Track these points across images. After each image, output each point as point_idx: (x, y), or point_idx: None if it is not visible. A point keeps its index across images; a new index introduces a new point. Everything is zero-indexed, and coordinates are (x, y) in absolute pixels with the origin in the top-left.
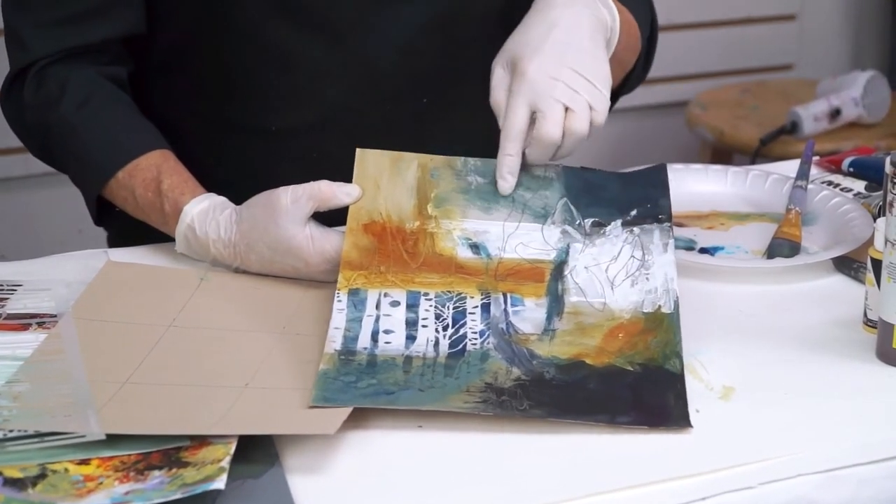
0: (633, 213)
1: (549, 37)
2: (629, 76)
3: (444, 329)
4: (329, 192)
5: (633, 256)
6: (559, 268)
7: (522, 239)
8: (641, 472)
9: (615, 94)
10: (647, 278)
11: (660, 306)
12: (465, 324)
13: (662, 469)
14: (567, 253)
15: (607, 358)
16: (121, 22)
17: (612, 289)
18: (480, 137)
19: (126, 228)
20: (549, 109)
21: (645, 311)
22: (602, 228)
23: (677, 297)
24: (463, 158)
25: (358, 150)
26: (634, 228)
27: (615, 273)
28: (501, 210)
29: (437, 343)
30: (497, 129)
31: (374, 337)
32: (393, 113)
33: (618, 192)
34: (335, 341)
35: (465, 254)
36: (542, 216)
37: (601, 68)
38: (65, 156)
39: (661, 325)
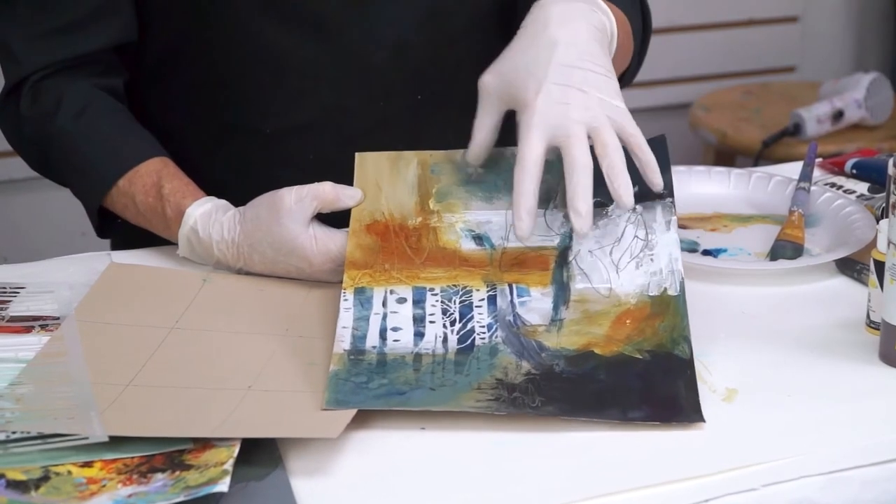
0: (635, 189)
1: (549, 61)
2: (623, 76)
3: (452, 324)
4: (333, 195)
5: (636, 237)
6: (563, 254)
7: None
8: (644, 473)
9: None
10: (651, 259)
11: (665, 289)
12: (472, 318)
13: (665, 471)
14: (570, 237)
15: (616, 346)
16: (111, 30)
17: (617, 273)
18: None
19: (128, 238)
20: (570, 130)
21: (651, 294)
22: (604, 209)
23: (682, 279)
24: (462, 151)
25: (357, 154)
26: (637, 206)
27: (619, 256)
28: (503, 199)
29: (445, 339)
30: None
31: (383, 335)
32: (387, 110)
33: None
34: (344, 340)
35: (468, 246)
36: (545, 200)
37: (610, 83)
38: (64, 168)
39: (668, 309)
